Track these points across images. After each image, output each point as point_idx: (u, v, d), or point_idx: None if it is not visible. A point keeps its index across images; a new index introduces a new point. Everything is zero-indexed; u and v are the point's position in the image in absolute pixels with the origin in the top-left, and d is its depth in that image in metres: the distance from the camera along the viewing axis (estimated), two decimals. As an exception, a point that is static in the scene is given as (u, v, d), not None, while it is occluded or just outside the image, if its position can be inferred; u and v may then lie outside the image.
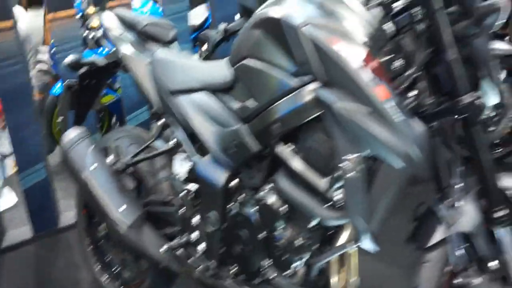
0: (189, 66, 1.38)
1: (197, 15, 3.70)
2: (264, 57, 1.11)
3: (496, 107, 2.39)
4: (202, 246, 1.37)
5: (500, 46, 2.25)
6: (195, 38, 3.10)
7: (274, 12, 1.07)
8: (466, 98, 0.96)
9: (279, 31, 1.05)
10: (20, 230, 2.65)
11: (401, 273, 1.07)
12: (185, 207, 1.38)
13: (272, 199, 1.18)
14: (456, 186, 1.05)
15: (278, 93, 1.09)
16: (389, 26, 0.99)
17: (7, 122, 2.49)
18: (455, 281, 1.07)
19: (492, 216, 1.03)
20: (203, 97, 1.30)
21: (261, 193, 1.20)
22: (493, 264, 1.04)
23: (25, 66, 2.48)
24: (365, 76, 0.94)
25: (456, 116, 1.00)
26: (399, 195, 1.03)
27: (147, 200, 1.54)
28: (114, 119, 3.20)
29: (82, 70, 1.68)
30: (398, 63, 1.00)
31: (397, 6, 0.99)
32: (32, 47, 3.59)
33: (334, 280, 1.20)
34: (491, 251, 1.04)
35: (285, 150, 1.13)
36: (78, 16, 2.48)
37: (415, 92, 1.02)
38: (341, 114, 0.96)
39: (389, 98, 0.93)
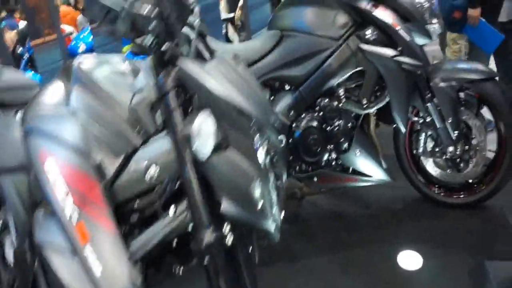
0: (15, 142, 1.32)
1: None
2: None
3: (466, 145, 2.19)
4: None
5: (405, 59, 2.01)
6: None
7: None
8: (205, 238, 0.81)
9: None
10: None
11: None
12: None
13: None
14: None
15: None
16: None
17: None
18: None
19: None
20: (21, 179, 1.24)
21: None
22: None
23: None
24: (67, 210, 0.80)
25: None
26: None
27: None
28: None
29: None
30: (153, 170, 0.85)
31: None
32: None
33: None
34: None
35: None
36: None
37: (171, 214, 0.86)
38: (43, 254, 0.83)
39: (90, 240, 0.78)
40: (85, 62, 0.98)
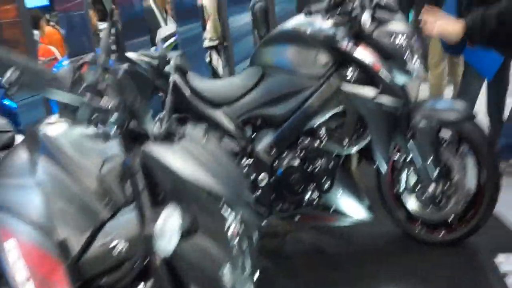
0: None
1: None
2: None
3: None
4: None
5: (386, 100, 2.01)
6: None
7: None
8: None
9: None
10: None
11: None
12: None
13: None
14: None
15: None
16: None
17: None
18: None
19: None
20: None
21: None
22: None
23: None
24: None
25: None
26: None
27: None
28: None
29: None
30: (121, 245, 0.83)
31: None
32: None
33: None
34: None
35: None
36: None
37: None
38: None
39: None
40: (52, 127, 0.95)
